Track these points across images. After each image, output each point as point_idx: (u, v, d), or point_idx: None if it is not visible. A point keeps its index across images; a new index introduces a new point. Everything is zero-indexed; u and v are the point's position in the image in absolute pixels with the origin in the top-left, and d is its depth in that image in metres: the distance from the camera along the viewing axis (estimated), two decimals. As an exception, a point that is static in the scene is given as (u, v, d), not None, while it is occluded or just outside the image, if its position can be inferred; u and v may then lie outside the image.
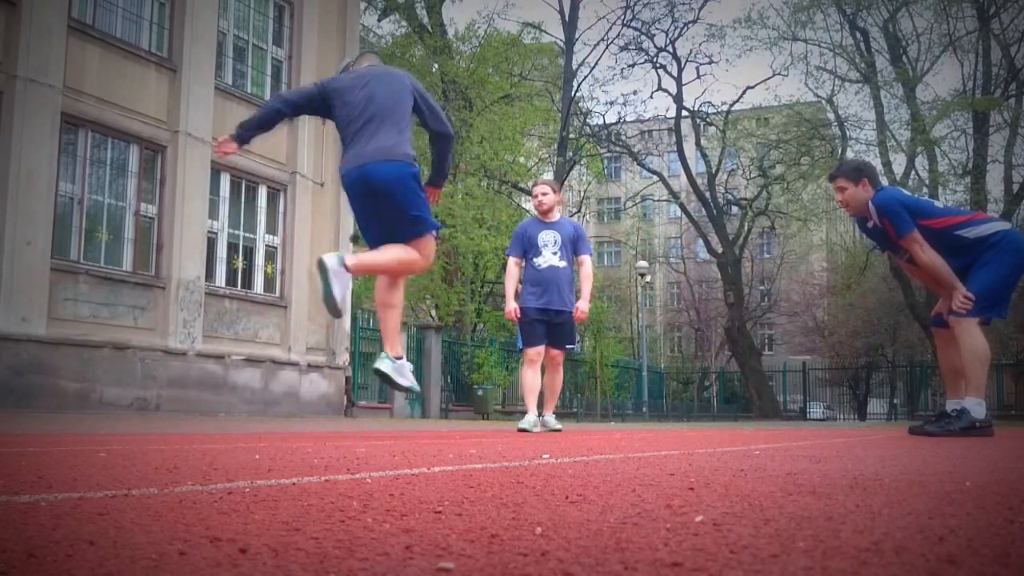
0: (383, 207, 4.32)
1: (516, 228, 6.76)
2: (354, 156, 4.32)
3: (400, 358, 4.53)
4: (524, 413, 6.31)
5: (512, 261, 6.44)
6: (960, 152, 23.97)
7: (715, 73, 76.02)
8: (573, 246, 6.38)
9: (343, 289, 4.17)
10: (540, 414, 6.45)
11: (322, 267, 4.12)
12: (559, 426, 6.46)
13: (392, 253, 4.35)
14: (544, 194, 6.42)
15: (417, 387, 4.66)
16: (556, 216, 6.46)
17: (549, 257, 6.30)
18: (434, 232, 4.50)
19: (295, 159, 12.94)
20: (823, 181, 23.53)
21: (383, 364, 4.48)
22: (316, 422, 9.03)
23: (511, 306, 6.36)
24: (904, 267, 5.59)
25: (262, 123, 4.50)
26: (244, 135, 4.46)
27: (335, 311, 4.19)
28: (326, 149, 13.38)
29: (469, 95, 22.09)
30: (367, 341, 15.72)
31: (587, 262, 6.46)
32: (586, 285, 6.42)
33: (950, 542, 0.98)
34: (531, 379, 6.51)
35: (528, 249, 6.37)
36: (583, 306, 6.31)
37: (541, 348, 6.42)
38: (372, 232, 4.47)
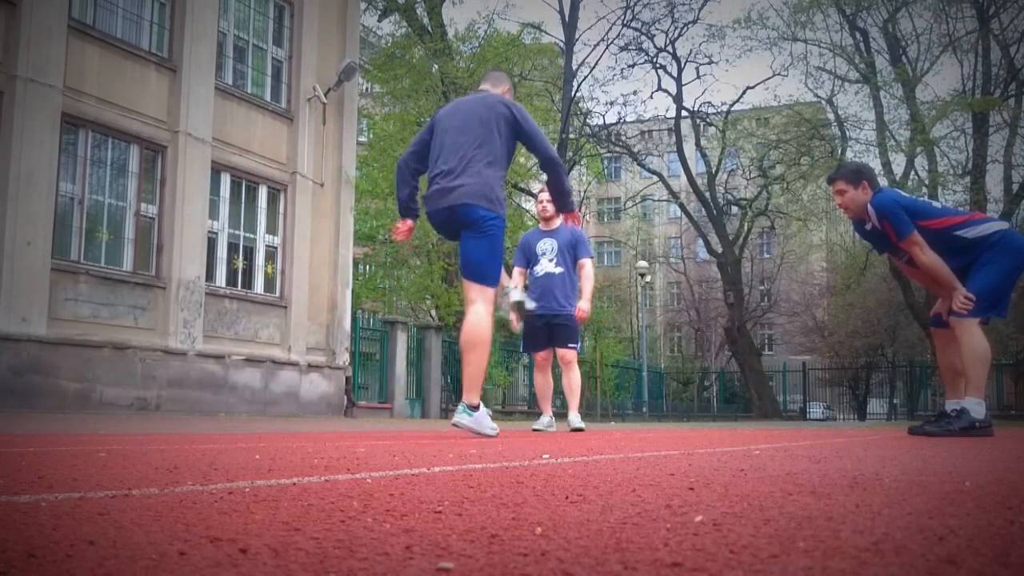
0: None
1: (520, 239, 6.91)
2: (438, 193, 4.40)
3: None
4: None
5: (516, 271, 6.65)
6: (960, 152, 23.94)
7: (715, 73, 76.36)
8: (572, 251, 6.49)
9: (478, 422, 4.27)
10: (564, 415, 6.61)
11: (458, 425, 4.29)
12: (581, 425, 6.42)
13: (478, 356, 4.36)
14: (549, 201, 6.48)
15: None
16: (556, 224, 6.56)
17: (546, 264, 6.51)
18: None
19: (295, 159, 12.93)
20: (823, 181, 23.49)
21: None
22: (316, 422, 9.02)
23: None
24: (903, 268, 5.58)
25: (403, 189, 4.73)
26: (407, 209, 4.73)
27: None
28: (326, 149, 13.38)
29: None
30: (367, 341, 15.73)
31: (588, 264, 6.59)
32: (587, 285, 6.54)
33: (950, 542, 0.98)
34: (540, 382, 6.69)
35: (530, 258, 6.60)
36: (583, 305, 6.43)
37: (546, 352, 6.53)
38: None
